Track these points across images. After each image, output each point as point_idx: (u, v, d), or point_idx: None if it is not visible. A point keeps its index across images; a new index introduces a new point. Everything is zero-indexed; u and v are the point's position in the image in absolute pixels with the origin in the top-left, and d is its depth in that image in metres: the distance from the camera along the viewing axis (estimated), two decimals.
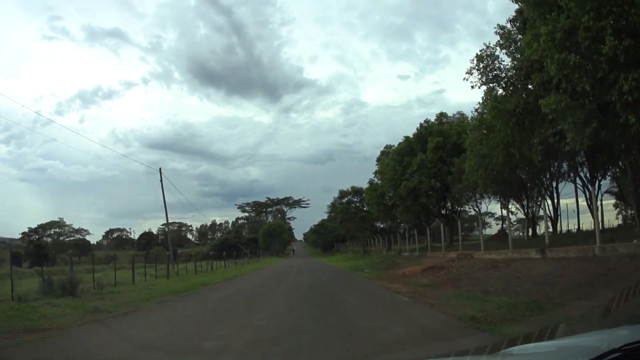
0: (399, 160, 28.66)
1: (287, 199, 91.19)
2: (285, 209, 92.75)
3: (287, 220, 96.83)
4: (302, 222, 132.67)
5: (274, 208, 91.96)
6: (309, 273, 24.37)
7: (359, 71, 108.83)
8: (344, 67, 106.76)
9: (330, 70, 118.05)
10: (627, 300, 3.72)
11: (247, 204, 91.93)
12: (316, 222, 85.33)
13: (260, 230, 77.40)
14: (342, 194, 47.68)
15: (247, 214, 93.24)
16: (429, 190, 26.80)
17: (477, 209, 27.75)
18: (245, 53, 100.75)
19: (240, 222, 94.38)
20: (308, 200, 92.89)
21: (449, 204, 31.03)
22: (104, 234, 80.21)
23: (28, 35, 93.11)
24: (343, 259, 48.76)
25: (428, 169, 26.95)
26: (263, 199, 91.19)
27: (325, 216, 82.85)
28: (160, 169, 35.28)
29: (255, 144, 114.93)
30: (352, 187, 47.33)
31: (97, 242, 75.28)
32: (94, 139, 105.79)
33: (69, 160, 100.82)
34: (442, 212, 30.91)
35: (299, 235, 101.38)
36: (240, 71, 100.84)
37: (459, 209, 30.50)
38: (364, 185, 46.68)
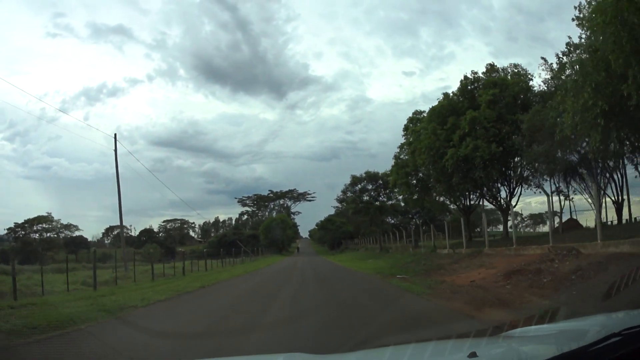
0: (441, 122, 20.62)
1: (291, 191, 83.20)
2: (289, 203, 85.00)
3: (292, 216, 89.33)
4: (307, 220, 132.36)
5: (278, 202, 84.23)
6: (317, 281, 16.49)
7: (364, 67, 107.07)
8: (349, 64, 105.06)
9: (336, 67, 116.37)
10: None
11: (249, 197, 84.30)
12: (322, 219, 77.94)
13: (260, 225, 69.73)
14: (355, 180, 39.73)
15: (248, 209, 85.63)
16: (488, 159, 18.71)
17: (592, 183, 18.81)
18: (251, 50, 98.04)
19: (244, 218, 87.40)
20: (314, 193, 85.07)
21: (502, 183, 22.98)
22: (103, 231, 75.14)
23: (32, 33, 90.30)
24: (356, 257, 40.83)
25: (485, 130, 18.93)
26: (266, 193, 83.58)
27: (332, 212, 76.53)
28: (115, 135, 27.49)
29: (260, 141, 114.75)
30: (367, 172, 39.42)
31: (97, 240, 71.40)
32: (98, 137, 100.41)
33: (73, 158, 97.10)
34: (504, 190, 22.61)
35: (304, 233, 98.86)
36: (245, 68, 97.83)
37: (520, 186, 22.36)
38: (381, 170, 39.04)
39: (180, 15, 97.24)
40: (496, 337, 2.57)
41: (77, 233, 65.29)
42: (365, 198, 39.70)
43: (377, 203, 38.52)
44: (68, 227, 68.49)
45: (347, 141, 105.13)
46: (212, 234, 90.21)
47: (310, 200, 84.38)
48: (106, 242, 75.00)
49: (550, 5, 70.37)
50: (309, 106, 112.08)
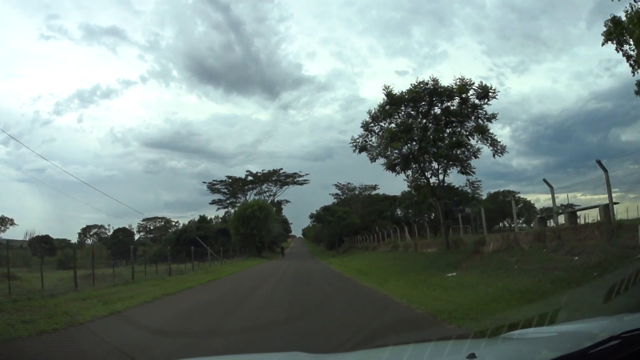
0: None
1: (276, 172, 62.20)
2: (274, 189, 64.16)
3: (281, 208, 69.13)
4: (301, 220, 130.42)
5: (260, 189, 63.18)
6: None
7: (357, 67, 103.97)
8: (342, 63, 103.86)
9: (329, 67, 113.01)
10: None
11: (220, 181, 63.39)
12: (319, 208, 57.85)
13: (231, 216, 49.04)
14: (392, 99, 18.89)
15: (221, 197, 64.52)
16: None
17: None
18: (243, 50, 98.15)
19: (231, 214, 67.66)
20: (306, 175, 64.53)
21: None
22: (80, 230, 68.43)
23: (25, 35, 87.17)
24: (396, 266, 20.56)
25: None
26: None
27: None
28: None
29: (254, 141, 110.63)
30: (415, 86, 18.73)
31: (77, 241, 66.45)
32: (92, 139, 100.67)
33: (67, 160, 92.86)
34: None
35: (298, 232, 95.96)
36: (238, 68, 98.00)
37: None
38: None
39: (173, 16, 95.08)
40: (495, 339, 2.58)
41: (11, 228, 57.38)
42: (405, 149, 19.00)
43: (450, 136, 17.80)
44: (2, 221, 58.13)
45: (340, 141, 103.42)
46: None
47: (301, 184, 63.76)
48: (87, 242, 69.24)
49: (543, 3, 69.19)
50: (302, 106, 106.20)
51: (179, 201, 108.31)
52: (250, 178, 61.79)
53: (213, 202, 64.43)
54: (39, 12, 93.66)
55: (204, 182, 67.93)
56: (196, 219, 68.03)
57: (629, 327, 1.72)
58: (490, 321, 5.41)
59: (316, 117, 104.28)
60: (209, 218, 65.32)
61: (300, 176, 63.17)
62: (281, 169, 62.98)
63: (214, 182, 63.29)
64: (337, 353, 3.23)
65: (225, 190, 63.64)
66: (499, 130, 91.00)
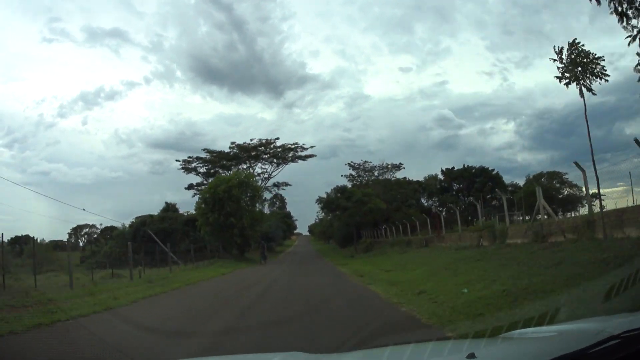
0: None
1: (269, 143, 46.16)
2: (269, 170, 48.29)
3: (284, 201, 53.85)
4: (305, 217, 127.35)
5: (251, 167, 47.44)
6: None
7: (360, 65, 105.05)
8: (346, 61, 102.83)
9: (332, 65, 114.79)
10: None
11: (196, 158, 47.68)
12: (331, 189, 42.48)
13: (200, 197, 33.12)
14: None
15: (200, 178, 48.86)
16: None
17: None
18: (247, 49, 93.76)
19: None
20: (311, 147, 48.58)
21: None
22: (70, 230, 61.91)
23: (27, 38, 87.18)
24: None
25: None
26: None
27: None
28: None
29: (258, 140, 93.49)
30: None
31: (68, 241, 58.47)
32: (97, 141, 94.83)
33: (72, 163, 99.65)
34: None
35: (303, 229, 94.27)
36: (242, 68, 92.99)
37: None
38: None
39: (175, 16, 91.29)
40: (495, 338, 2.53)
41: None
42: None
43: None
44: None
45: (345, 139, 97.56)
46: None
47: (305, 159, 47.63)
48: (80, 242, 67.24)
49: None
50: (306, 104, 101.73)
51: (184, 202, 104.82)
52: (235, 151, 45.83)
53: (190, 187, 48.78)
54: (41, 15, 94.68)
55: (177, 160, 52.39)
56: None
57: (629, 326, 1.70)
58: None
59: (321, 115, 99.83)
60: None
61: (303, 149, 47.17)
62: (277, 138, 47.00)
63: (190, 158, 47.58)
64: (337, 353, 3.26)
65: (204, 170, 47.90)
66: (503, 125, 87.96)
